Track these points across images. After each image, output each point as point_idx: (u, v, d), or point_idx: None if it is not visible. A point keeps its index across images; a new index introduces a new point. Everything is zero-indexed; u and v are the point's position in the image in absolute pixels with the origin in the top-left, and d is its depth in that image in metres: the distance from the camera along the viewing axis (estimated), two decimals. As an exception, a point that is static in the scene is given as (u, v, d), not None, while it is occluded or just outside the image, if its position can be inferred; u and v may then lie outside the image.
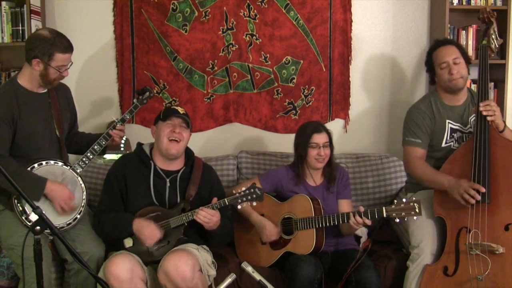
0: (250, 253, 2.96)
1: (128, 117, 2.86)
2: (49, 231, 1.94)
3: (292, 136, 3.04)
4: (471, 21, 3.57)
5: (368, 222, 2.62)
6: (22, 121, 2.56)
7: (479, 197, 2.51)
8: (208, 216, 2.58)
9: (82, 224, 2.70)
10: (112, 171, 2.80)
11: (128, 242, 2.65)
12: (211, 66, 3.60)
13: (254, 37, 3.60)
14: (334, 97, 3.71)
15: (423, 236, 2.72)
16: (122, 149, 3.23)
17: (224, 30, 3.57)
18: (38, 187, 2.51)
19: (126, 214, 2.70)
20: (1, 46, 3.36)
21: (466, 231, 2.58)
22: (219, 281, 2.63)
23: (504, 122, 2.81)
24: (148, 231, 2.59)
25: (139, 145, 2.86)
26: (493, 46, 2.83)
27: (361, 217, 2.62)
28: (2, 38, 3.30)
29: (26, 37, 3.12)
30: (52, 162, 2.64)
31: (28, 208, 2.51)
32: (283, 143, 3.55)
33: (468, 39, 3.56)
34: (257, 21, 3.59)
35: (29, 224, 2.49)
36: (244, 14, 3.57)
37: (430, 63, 2.94)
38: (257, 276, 2.52)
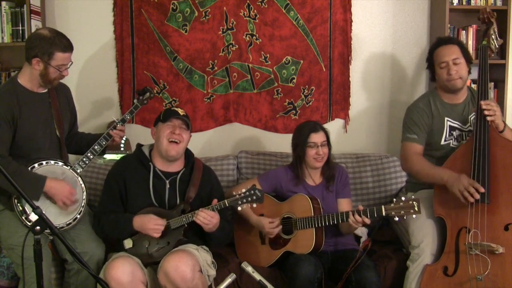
0: (250, 253, 2.97)
1: (128, 117, 2.87)
2: (49, 231, 1.94)
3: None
4: (471, 21, 3.57)
5: (367, 221, 2.62)
6: (22, 121, 2.56)
7: (478, 196, 2.51)
8: (208, 218, 2.58)
9: (82, 224, 2.70)
10: (111, 172, 2.81)
11: (128, 243, 2.65)
12: (211, 66, 3.60)
13: (254, 37, 3.60)
14: (334, 97, 3.72)
15: (423, 236, 2.72)
16: (122, 149, 3.24)
17: (224, 30, 3.57)
18: (38, 185, 2.51)
19: (126, 214, 2.70)
20: (1, 46, 3.36)
21: (466, 231, 2.59)
22: (219, 281, 2.63)
23: (504, 122, 2.81)
24: (152, 223, 2.59)
25: (139, 146, 2.86)
26: (493, 46, 2.83)
27: (360, 216, 2.62)
28: (2, 38, 3.30)
29: (26, 37, 3.11)
30: (52, 162, 2.64)
31: (28, 208, 2.51)
32: (283, 143, 3.55)
33: (468, 39, 3.56)
34: (257, 21, 3.59)
35: (29, 224, 2.49)
36: (244, 14, 3.57)
37: (431, 60, 2.93)
38: (257, 276, 2.52)
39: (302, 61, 3.65)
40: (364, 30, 3.69)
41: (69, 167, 2.68)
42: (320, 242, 2.78)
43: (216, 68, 3.61)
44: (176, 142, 2.70)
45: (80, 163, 2.70)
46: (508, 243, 2.53)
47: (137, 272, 2.49)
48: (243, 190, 2.59)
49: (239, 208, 2.64)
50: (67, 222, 2.61)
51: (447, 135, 2.88)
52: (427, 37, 3.72)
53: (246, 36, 3.60)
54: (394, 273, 2.85)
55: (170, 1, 3.52)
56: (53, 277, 2.80)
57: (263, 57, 3.62)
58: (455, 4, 3.52)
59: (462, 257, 2.58)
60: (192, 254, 2.54)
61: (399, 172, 3.45)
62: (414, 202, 2.52)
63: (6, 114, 2.51)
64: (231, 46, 3.59)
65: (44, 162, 2.60)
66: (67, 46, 2.58)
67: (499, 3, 3.54)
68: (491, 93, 3.55)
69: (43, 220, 1.88)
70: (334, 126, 3.71)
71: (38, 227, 1.87)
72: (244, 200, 2.57)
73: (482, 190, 2.51)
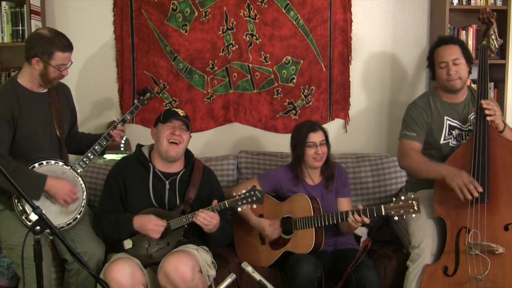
0: (250, 253, 2.97)
1: (129, 117, 2.87)
2: (49, 231, 1.94)
3: (292, 136, 3.05)
4: (471, 21, 3.57)
5: (367, 220, 2.62)
6: (22, 120, 2.56)
7: (476, 194, 2.50)
8: (208, 218, 2.58)
9: (82, 224, 2.70)
10: (111, 173, 2.81)
11: (128, 244, 2.65)
12: (211, 66, 3.60)
13: (254, 37, 3.60)
14: (334, 97, 3.72)
15: (423, 236, 2.71)
16: (122, 149, 3.24)
17: (224, 30, 3.57)
18: (38, 184, 2.51)
19: (126, 214, 2.69)
20: (1, 46, 3.36)
21: (466, 231, 2.58)
22: (219, 281, 2.63)
23: (504, 122, 2.81)
24: (152, 224, 2.59)
25: (138, 147, 2.86)
26: (493, 46, 2.83)
27: (359, 216, 2.62)
28: (2, 38, 3.30)
29: (26, 37, 3.12)
30: (52, 162, 2.64)
31: (28, 208, 2.51)
32: (283, 143, 3.55)
33: (468, 39, 3.56)
34: (257, 21, 3.59)
35: (29, 223, 2.49)
36: (244, 14, 3.57)
37: (431, 59, 2.93)
38: (257, 276, 2.52)
39: (302, 61, 3.65)
40: (364, 30, 3.69)
41: (69, 167, 2.68)
42: (320, 242, 2.78)
43: (216, 68, 3.61)
44: (176, 143, 2.70)
45: (81, 163, 2.70)
46: (508, 243, 2.53)
47: (137, 274, 2.49)
48: (243, 191, 2.59)
49: (239, 209, 2.64)
50: (67, 222, 2.61)
51: (447, 134, 2.88)
52: (427, 37, 3.72)
53: (246, 36, 3.60)
54: (394, 273, 2.85)
55: (170, 1, 3.52)
56: (53, 277, 2.80)
57: (263, 57, 3.62)
58: (455, 4, 3.52)
59: (462, 257, 2.58)
60: (192, 255, 2.54)
61: (399, 172, 3.45)
62: (413, 202, 2.51)
63: (6, 114, 2.51)
64: (231, 46, 3.59)
65: (44, 162, 2.60)
66: (67, 46, 2.58)
67: (499, 3, 3.54)
68: (491, 93, 3.55)
69: (43, 220, 1.88)
70: (334, 126, 3.71)
71: (38, 227, 1.87)
72: (244, 201, 2.57)
73: (480, 189, 2.51)
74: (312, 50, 3.64)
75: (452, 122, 2.88)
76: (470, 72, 2.90)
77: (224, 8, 3.55)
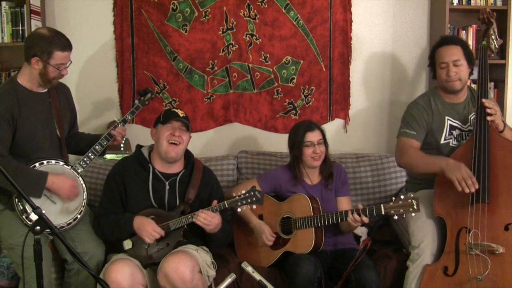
0: (250, 253, 2.97)
1: (129, 118, 2.88)
2: (49, 231, 1.94)
3: (292, 137, 3.04)
4: (471, 21, 3.56)
5: (366, 219, 2.61)
6: (22, 120, 2.56)
7: (473, 190, 2.49)
8: (208, 218, 2.58)
9: (82, 224, 2.70)
10: (111, 174, 2.80)
11: (128, 244, 2.65)
12: (211, 66, 3.60)
13: (254, 37, 3.60)
14: (334, 97, 3.71)
15: (423, 236, 2.71)
16: (122, 149, 3.24)
17: (224, 30, 3.57)
18: (40, 181, 2.51)
19: (126, 214, 2.69)
20: (1, 46, 3.36)
21: (466, 231, 2.58)
22: (219, 281, 2.63)
23: (504, 122, 2.81)
24: (151, 227, 2.59)
25: (138, 147, 2.86)
26: (492, 46, 2.83)
27: (359, 215, 2.62)
28: (2, 38, 3.30)
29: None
30: (53, 161, 2.64)
31: (28, 207, 2.51)
32: (283, 143, 3.53)
33: (468, 39, 3.55)
34: (257, 21, 3.59)
35: (30, 223, 2.49)
36: (244, 14, 3.57)
37: (433, 59, 2.93)
38: (257, 276, 2.52)
39: (302, 61, 3.65)
40: (364, 30, 3.69)
41: (69, 167, 2.68)
42: (319, 241, 2.78)
43: (216, 68, 3.61)
44: (176, 144, 2.70)
45: (81, 163, 2.70)
46: (508, 243, 2.53)
47: (136, 275, 2.48)
48: (243, 192, 2.59)
49: (239, 210, 2.64)
50: (67, 222, 2.61)
51: (447, 134, 2.88)
52: (427, 37, 3.72)
53: (246, 36, 3.60)
54: (394, 273, 2.85)
55: (170, 1, 3.52)
56: (53, 277, 2.80)
57: (263, 57, 3.62)
58: (455, 4, 3.52)
59: (462, 257, 2.58)
60: (192, 255, 2.54)
61: (399, 172, 3.45)
62: (413, 201, 2.51)
63: (6, 113, 2.51)
64: (231, 46, 3.59)
65: (44, 162, 2.60)
66: (66, 45, 2.58)
67: (499, 3, 3.54)
68: (491, 93, 3.55)
69: (43, 220, 1.88)
70: (334, 126, 3.71)
71: (38, 227, 1.87)
72: (244, 202, 2.57)
73: (477, 186, 2.50)
74: (312, 50, 3.64)
75: (453, 122, 2.88)
76: (471, 73, 2.89)
77: (224, 8, 3.55)
